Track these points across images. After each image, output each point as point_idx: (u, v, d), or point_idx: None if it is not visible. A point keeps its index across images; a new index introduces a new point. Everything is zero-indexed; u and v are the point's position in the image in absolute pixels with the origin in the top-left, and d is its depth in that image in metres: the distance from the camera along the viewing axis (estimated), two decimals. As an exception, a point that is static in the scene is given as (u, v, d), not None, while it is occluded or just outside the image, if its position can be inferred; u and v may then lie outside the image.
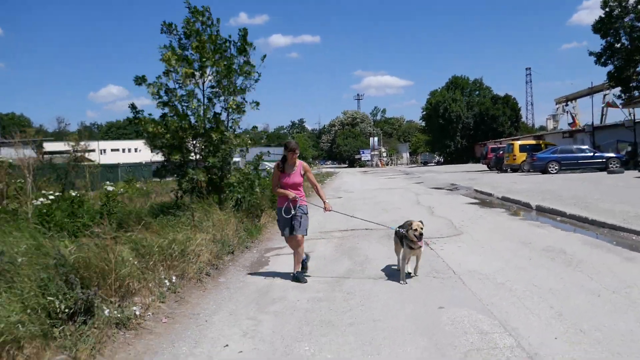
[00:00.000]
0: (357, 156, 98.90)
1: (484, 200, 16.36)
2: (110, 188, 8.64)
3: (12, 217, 6.92)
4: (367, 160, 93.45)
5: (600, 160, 27.04)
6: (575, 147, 28.94)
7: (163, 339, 4.61)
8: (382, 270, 6.87)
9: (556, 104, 66.36)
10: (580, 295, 5.27)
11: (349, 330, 4.49)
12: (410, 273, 6.37)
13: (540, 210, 12.50)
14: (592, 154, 27.51)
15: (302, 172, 6.69)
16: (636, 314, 4.61)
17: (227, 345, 4.36)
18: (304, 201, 6.61)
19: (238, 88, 10.62)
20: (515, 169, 31.54)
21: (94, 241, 5.26)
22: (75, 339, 3.95)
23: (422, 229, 6.17)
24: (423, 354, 3.97)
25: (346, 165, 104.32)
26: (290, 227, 6.56)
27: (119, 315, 4.61)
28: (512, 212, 12.74)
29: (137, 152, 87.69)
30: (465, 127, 73.06)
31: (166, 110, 10.70)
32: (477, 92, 77.45)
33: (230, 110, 10.72)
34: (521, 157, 30.83)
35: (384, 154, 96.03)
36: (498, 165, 34.68)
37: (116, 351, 4.27)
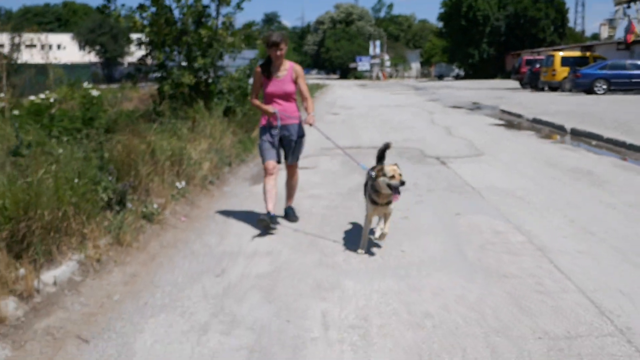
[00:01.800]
0: (352, 65, 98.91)
1: (512, 121, 18.05)
2: (95, 93, 9.96)
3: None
4: (366, 71, 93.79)
5: (660, 79, 28.64)
6: (629, 62, 30.39)
7: (188, 233, 6.23)
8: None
9: (615, 5, 66.07)
10: (597, 207, 6.98)
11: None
12: (374, 236, 5.74)
13: (575, 133, 14.20)
14: (650, 71, 29.07)
15: (294, 77, 6.31)
16: (645, 222, 6.33)
17: (254, 238, 5.98)
18: (296, 119, 6.36)
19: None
20: (554, 88, 33.05)
21: (116, 140, 6.78)
22: (117, 225, 5.53)
23: (401, 175, 5.24)
24: (442, 245, 5.65)
25: (337, 77, 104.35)
26: (277, 152, 6.39)
27: (144, 210, 6.19)
28: (542, 135, 14.44)
29: (61, 49, 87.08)
30: (494, 32, 73.67)
31: (145, 1, 11.90)
32: (514, -14, 77.65)
33: (222, 3, 11.95)
34: (562, 72, 32.18)
35: (388, 64, 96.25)
36: (533, 81, 36.13)
37: (148, 240, 5.87)
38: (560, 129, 15.14)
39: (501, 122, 17.99)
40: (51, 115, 9.31)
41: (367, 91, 43.96)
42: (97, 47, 78.09)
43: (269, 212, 6.12)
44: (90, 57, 78.31)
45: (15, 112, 9.73)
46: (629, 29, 44.22)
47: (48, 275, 4.41)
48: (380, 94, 38.57)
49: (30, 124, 7.98)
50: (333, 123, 18.04)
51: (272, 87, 6.30)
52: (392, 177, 5.20)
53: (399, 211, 6.65)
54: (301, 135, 6.49)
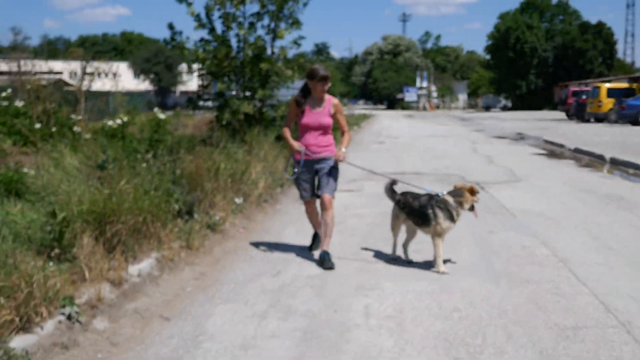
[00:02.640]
0: (399, 95, 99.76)
1: (554, 151, 18.48)
2: (161, 116, 10.95)
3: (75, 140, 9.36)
4: (412, 102, 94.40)
5: None
6: (677, 94, 30.44)
7: (246, 243, 7.01)
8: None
9: None
10: (622, 228, 7.51)
11: (418, 238, 6.78)
12: (410, 259, 6.26)
13: (614, 162, 14.61)
14: (697, 103, 29.04)
15: (332, 112, 6.36)
16: (665, 241, 6.84)
17: (304, 249, 6.71)
18: (331, 151, 6.36)
19: (288, 13, 12.77)
20: (600, 119, 33.17)
21: (188, 158, 7.67)
22: (186, 231, 6.35)
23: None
24: (474, 256, 6.29)
25: (384, 107, 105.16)
26: (312, 184, 6.41)
27: (208, 220, 7.00)
28: (582, 164, 14.89)
29: (117, 77, 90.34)
30: (542, 63, 73.79)
31: (205, 34, 12.94)
32: (561, 18, 77.79)
33: (277, 37, 12.89)
34: (608, 103, 32.33)
35: (435, 94, 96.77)
36: (579, 113, 36.30)
37: (212, 246, 6.67)
38: (600, 158, 15.54)
39: (543, 151, 18.43)
40: (123, 136, 10.31)
41: (413, 121, 44.63)
42: (152, 76, 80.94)
43: (315, 233, 6.67)
44: (144, 85, 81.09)
45: (87, 135, 10.79)
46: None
47: (133, 269, 5.23)
48: (426, 124, 39.19)
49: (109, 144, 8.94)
50: (378, 151, 18.80)
51: (308, 119, 6.29)
52: (474, 193, 6.03)
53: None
54: (334, 166, 6.36)
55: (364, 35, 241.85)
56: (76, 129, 10.43)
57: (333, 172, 6.37)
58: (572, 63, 69.89)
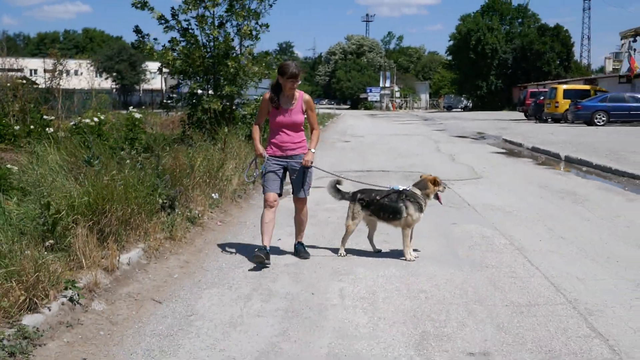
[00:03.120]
0: (362, 95, 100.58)
1: (512, 150, 19.23)
2: (137, 115, 11.22)
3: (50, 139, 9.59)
4: (376, 101, 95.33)
5: (658, 112, 29.85)
6: (628, 95, 31.67)
7: (225, 234, 7.41)
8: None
9: (621, 39, 65.88)
10: (573, 219, 8.11)
11: (386, 229, 7.25)
12: (378, 249, 6.67)
13: (569, 160, 15.35)
14: (647, 104, 30.30)
15: (304, 108, 6.35)
16: (612, 231, 7.44)
17: (280, 239, 7.13)
18: (304, 149, 6.37)
19: (253, 11, 13.15)
20: (557, 119, 34.32)
21: (167, 155, 8.03)
22: (170, 223, 6.72)
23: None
24: (439, 246, 6.80)
25: (348, 107, 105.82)
26: (281, 184, 6.39)
27: (188, 214, 7.37)
28: (539, 162, 15.61)
29: (78, 74, 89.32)
30: (502, 65, 75.40)
31: (174, 34, 13.26)
32: (520, 21, 79.51)
33: (243, 36, 13.28)
34: (565, 104, 33.43)
35: (397, 94, 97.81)
36: (537, 113, 37.46)
37: (194, 237, 7.05)
38: (556, 156, 16.29)
39: (502, 150, 19.16)
40: (100, 134, 10.57)
41: (376, 121, 45.34)
42: (114, 74, 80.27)
43: (264, 247, 6.13)
44: (107, 83, 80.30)
45: (62, 133, 11.02)
46: (630, 63, 45.56)
47: (123, 257, 5.58)
48: (389, 123, 39.89)
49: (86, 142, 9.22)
50: (344, 150, 19.30)
51: (281, 117, 6.24)
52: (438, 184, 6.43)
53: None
54: (308, 166, 6.35)
55: (327, 35, 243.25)
56: (49, 128, 10.65)
57: (307, 172, 6.39)
58: (530, 65, 71.53)
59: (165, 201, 6.93)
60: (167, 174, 7.30)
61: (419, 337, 4.26)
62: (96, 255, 5.25)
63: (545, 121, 35.69)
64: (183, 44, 13.33)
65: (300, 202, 6.52)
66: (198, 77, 13.47)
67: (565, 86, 36.25)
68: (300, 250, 6.50)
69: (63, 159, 8.22)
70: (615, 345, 4.09)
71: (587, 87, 37.40)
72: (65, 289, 4.51)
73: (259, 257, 5.93)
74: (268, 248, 6.15)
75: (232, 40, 13.38)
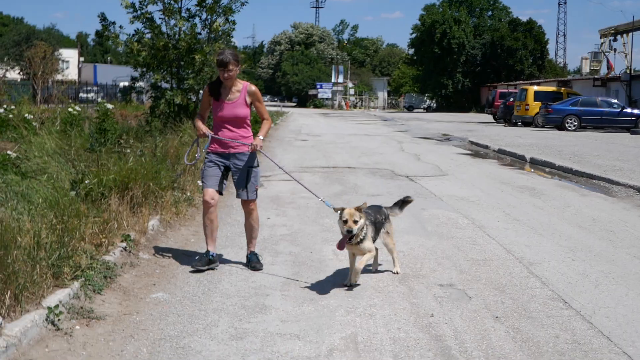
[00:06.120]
0: (311, 92, 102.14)
1: (478, 152, 21.99)
2: (109, 106, 13.31)
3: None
4: (327, 99, 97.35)
5: (629, 118, 33.32)
6: (600, 99, 35.14)
7: (219, 214, 9.61)
8: (374, 191, 12.05)
9: (601, 38, 68.45)
10: (529, 207, 10.66)
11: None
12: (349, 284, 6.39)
13: (533, 162, 18.11)
14: (619, 109, 33.76)
15: (248, 101, 6.69)
16: (560, 216, 9.98)
17: (269, 218, 9.41)
18: (246, 146, 6.69)
19: (225, 7, 15.41)
20: (527, 123, 37.54)
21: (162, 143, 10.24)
22: (175, 201, 8.93)
23: (355, 222, 6.04)
24: (411, 224, 9.21)
25: (294, 104, 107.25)
26: (221, 181, 6.81)
27: (184, 195, 9.59)
28: (503, 163, 18.33)
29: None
30: (470, 61, 78.90)
31: (139, 25, 15.40)
32: (490, 13, 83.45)
33: (213, 31, 15.52)
34: (536, 107, 36.61)
35: (352, 92, 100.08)
36: (507, 116, 40.69)
37: (193, 215, 9.26)
38: (521, 158, 19.07)
39: (468, 152, 21.90)
40: (72, 124, 12.67)
41: (330, 120, 48.01)
42: (22, 63, 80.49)
43: (207, 252, 6.75)
44: (13, 73, 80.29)
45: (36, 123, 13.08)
46: (608, 65, 49.40)
47: (148, 225, 7.78)
48: (345, 123, 42.56)
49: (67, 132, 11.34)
50: (303, 147, 21.69)
51: (222, 111, 6.62)
52: (346, 221, 6.04)
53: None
54: (251, 165, 6.73)
55: (270, 21, 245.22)
56: (27, 115, 12.68)
57: (252, 172, 6.75)
58: (501, 62, 75.20)
59: (168, 183, 9.13)
60: (168, 159, 9.50)
61: (401, 276, 6.62)
62: (130, 222, 7.42)
63: (515, 124, 38.87)
64: (148, 36, 15.45)
65: (246, 206, 6.90)
66: (162, 70, 15.59)
67: (536, 87, 39.55)
68: (252, 260, 6.88)
69: (58, 145, 10.35)
70: (546, 282, 6.53)
71: (560, 89, 40.73)
72: (121, 241, 6.70)
73: (196, 267, 6.56)
74: (213, 253, 6.77)
75: (199, 33, 15.58)
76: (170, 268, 6.70)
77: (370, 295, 6.04)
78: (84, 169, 8.74)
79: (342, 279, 6.44)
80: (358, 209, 6.08)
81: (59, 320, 4.80)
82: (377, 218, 6.60)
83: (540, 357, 4.61)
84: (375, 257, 6.83)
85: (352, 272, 6.27)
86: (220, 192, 6.86)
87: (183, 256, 7.16)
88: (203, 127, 6.66)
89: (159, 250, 7.27)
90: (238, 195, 6.89)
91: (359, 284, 6.33)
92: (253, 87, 6.71)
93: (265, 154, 7.52)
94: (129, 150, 9.76)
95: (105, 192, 7.65)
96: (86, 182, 7.68)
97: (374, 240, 6.38)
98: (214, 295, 5.93)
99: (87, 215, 6.53)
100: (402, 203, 7.16)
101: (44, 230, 5.76)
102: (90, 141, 9.52)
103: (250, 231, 6.99)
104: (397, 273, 6.69)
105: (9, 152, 10.06)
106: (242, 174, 6.71)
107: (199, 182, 7.57)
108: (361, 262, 6.16)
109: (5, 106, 14.49)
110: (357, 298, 5.93)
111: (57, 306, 4.84)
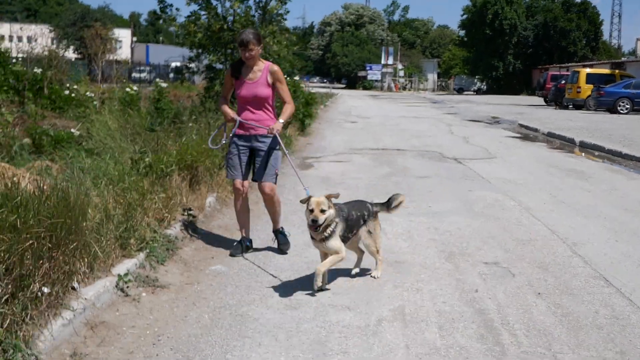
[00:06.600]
0: (360, 73, 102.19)
1: (527, 135, 22.01)
2: (164, 84, 13.76)
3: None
4: (376, 81, 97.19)
5: (685, 100, 32.69)
6: (655, 81, 34.56)
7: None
8: (422, 173, 12.29)
9: None
10: (575, 191, 10.79)
11: (411, 193, 9.88)
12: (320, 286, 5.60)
13: (583, 145, 18.11)
14: (674, 92, 33.13)
15: (270, 81, 6.53)
16: (606, 200, 10.10)
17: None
18: (264, 129, 6.51)
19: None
20: (579, 105, 37.10)
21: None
22: (218, 183, 9.32)
23: (322, 211, 5.49)
24: (458, 205, 9.44)
25: (343, 86, 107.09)
26: (247, 167, 6.72)
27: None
28: (553, 146, 18.38)
29: (31, 42, 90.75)
30: (521, 43, 77.94)
31: (196, 7, 15.80)
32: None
33: (267, 13, 15.84)
34: (588, 90, 36.16)
35: (401, 73, 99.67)
36: (558, 98, 40.21)
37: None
38: (571, 141, 19.07)
39: (517, 134, 21.94)
40: (131, 103, 13.15)
41: (380, 102, 48.16)
42: (77, 42, 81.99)
43: (242, 239, 6.85)
44: (69, 53, 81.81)
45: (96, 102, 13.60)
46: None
47: (205, 202, 8.17)
48: (394, 105, 42.69)
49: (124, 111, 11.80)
50: (353, 129, 22.01)
51: (243, 91, 6.49)
52: (312, 210, 5.50)
53: (425, 188, 10.47)
54: (273, 147, 6.59)
55: (321, 2, 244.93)
56: (89, 94, 13.20)
57: (272, 154, 6.60)
58: (554, 44, 74.17)
59: (221, 162, 9.50)
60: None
61: (447, 254, 6.89)
62: (189, 199, 7.82)
63: (566, 107, 38.49)
64: (204, 17, 15.84)
65: (266, 192, 6.71)
66: (217, 51, 15.99)
67: (588, 70, 39.04)
68: (281, 242, 6.94)
69: (120, 124, 10.81)
70: (589, 261, 6.72)
71: (613, 71, 40.07)
72: (182, 214, 7.10)
73: (233, 255, 6.64)
74: (248, 241, 6.85)
75: (253, 16, 15.92)
76: (226, 243, 7.08)
77: (417, 271, 6.32)
78: (144, 148, 9.18)
79: (389, 256, 6.71)
80: (328, 197, 5.62)
81: (127, 287, 5.23)
82: (353, 215, 5.91)
83: (579, 331, 4.85)
84: (359, 259, 6.31)
85: (315, 274, 5.54)
86: (246, 179, 6.77)
87: (238, 232, 7.53)
88: (230, 112, 6.61)
89: (216, 226, 7.67)
90: (257, 178, 6.68)
91: (328, 289, 5.76)
92: (275, 67, 6.56)
93: (280, 141, 6.66)
94: (188, 128, 10.16)
95: (166, 170, 8.02)
96: (147, 160, 8.06)
97: (346, 240, 5.80)
98: (269, 269, 6.30)
99: (151, 192, 6.92)
100: (393, 203, 6.31)
101: (111, 204, 6.17)
102: (150, 120, 9.92)
103: (271, 214, 6.94)
104: (376, 277, 6.05)
105: (72, 129, 10.54)
106: (264, 159, 6.57)
107: (209, 143, 7.40)
108: (324, 264, 5.60)
109: (68, 84, 15.05)
110: (405, 274, 6.21)
111: (126, 274, 5.26)
